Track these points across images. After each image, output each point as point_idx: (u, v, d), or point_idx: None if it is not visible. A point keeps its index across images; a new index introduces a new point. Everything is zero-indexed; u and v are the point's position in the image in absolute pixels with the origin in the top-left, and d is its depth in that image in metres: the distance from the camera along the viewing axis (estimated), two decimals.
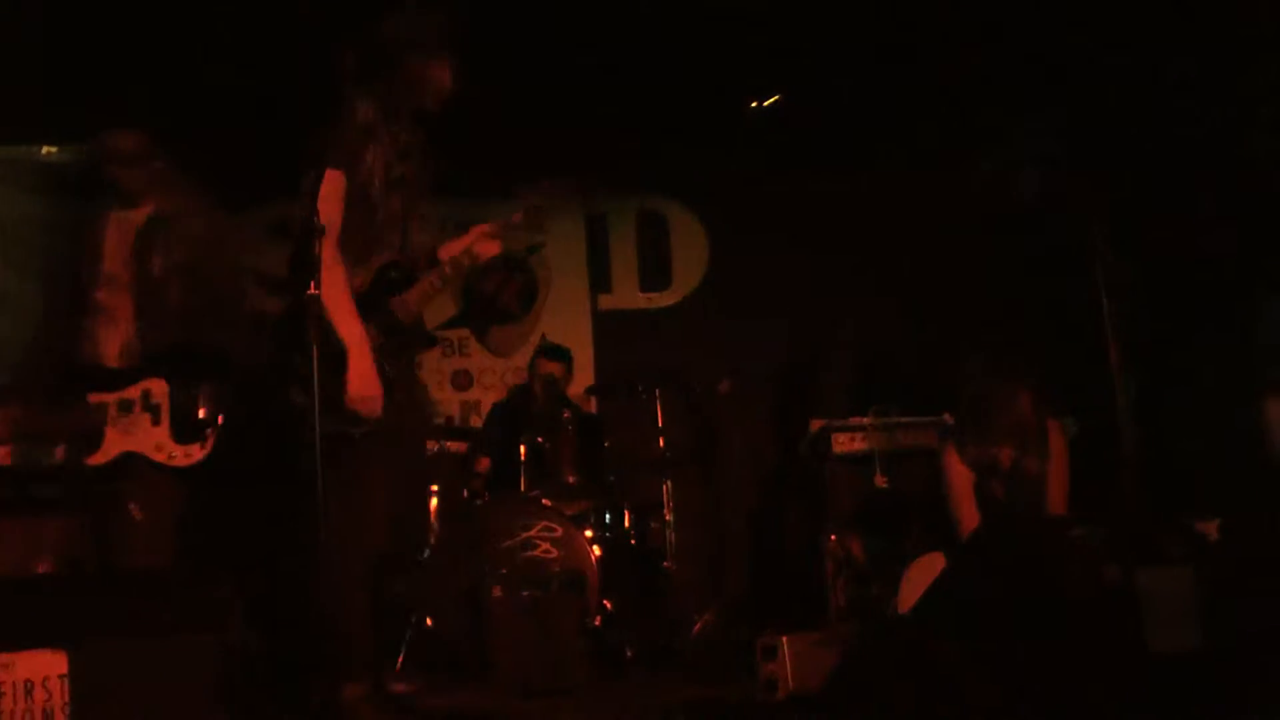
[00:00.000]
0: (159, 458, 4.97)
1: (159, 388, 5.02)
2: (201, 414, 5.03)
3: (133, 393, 4.98)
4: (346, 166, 4.86)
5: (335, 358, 4.84)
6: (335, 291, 4.80)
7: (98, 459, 4.94)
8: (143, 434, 4.97)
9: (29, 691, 3.38)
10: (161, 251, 5.20)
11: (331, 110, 5.03)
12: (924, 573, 6.00)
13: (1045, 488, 6.13)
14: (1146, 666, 4.16)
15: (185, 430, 5.01)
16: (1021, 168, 8.68)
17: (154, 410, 4.98)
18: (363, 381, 4.86)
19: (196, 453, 5.00)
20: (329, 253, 4.73)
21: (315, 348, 4.39)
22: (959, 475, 6.19)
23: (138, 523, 4.99)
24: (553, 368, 8.08)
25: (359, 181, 4.92)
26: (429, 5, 5.20)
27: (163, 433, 4.98)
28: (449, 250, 5.43)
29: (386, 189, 5.08)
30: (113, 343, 5.22)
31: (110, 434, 4.94)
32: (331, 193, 4.74)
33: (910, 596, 5.99)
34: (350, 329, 4.88)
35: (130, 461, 5.01)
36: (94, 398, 5.01)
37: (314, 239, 4.49)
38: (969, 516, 6.12)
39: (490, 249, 5.45)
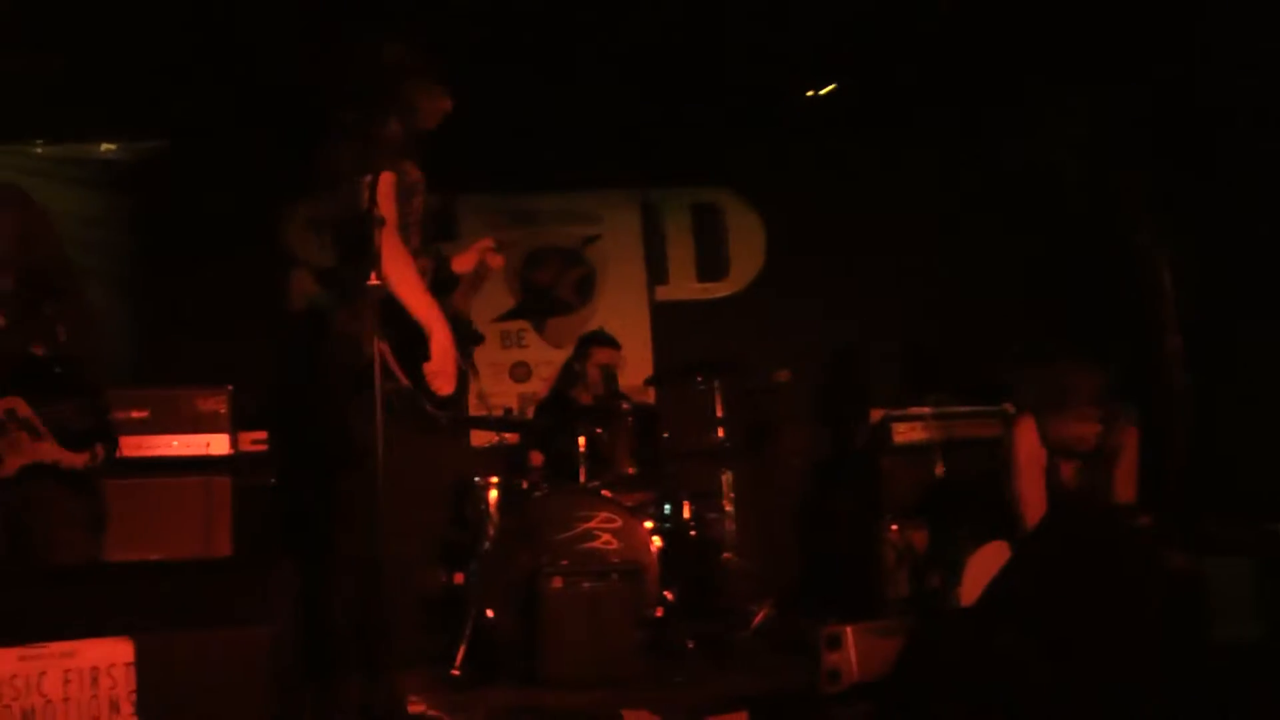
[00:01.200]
0: (62, 468, 4.78)
1: (19, 405, 4.78)
2: (82, 424, 4.84)
3: None
4: (397, 171, 4.92)
5: (413, 342, 4.91)
6: (407, 276, 4.91)
7: (4, 473, 4.72)
8: (30, 448, 4.74)
9: (95, 679, 3.39)
10: None
11: (349, 123, 5.07)
12: (986, 562, 5.96)
13: (1115, 472, 6.06)
14: (1209, 655, 4.14)
15: (71, 440, 4.83)
16: (1074, 150, 8.64)
17: (28, 426, 4.73)
18: (444, 356, 4.96)
19: (93, 462, 4.86)
20: (393, 243, 4.80)
21: (376, 338, 4.44)
22: (1029, 453, 6.11)
23: (48, 517, 4.82)
24: (610, 356, 8.08)
25: (402, 189, 4.98)
26: (424, 33, 5.28)
27: (50, 445, 4.78)
28: (462, 264, 5.56)
29: (422, 200, 5.16)
30: None
31: (3, 449, 4.73)
32: (386, 193, 4.79)
33: (973, 586, 5.94)
34: (429, 308, 4.98)
35: (35, 472, 4.78)
36: None
37: (375, 231, 4.53)
38: (1033, 497, 6.05)
39: (497, 261, 5.67)
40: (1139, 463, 6.14)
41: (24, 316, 4.81)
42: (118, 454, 5.02)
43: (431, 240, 5.34)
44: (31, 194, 5.09)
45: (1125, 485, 6.06)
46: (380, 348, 4.67)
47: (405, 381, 4.77)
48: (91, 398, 4.90)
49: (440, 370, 4.95)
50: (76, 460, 4.76)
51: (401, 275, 4.89)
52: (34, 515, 4.71)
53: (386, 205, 4.82)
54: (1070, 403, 6.02)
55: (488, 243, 5.62)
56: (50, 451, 4.70)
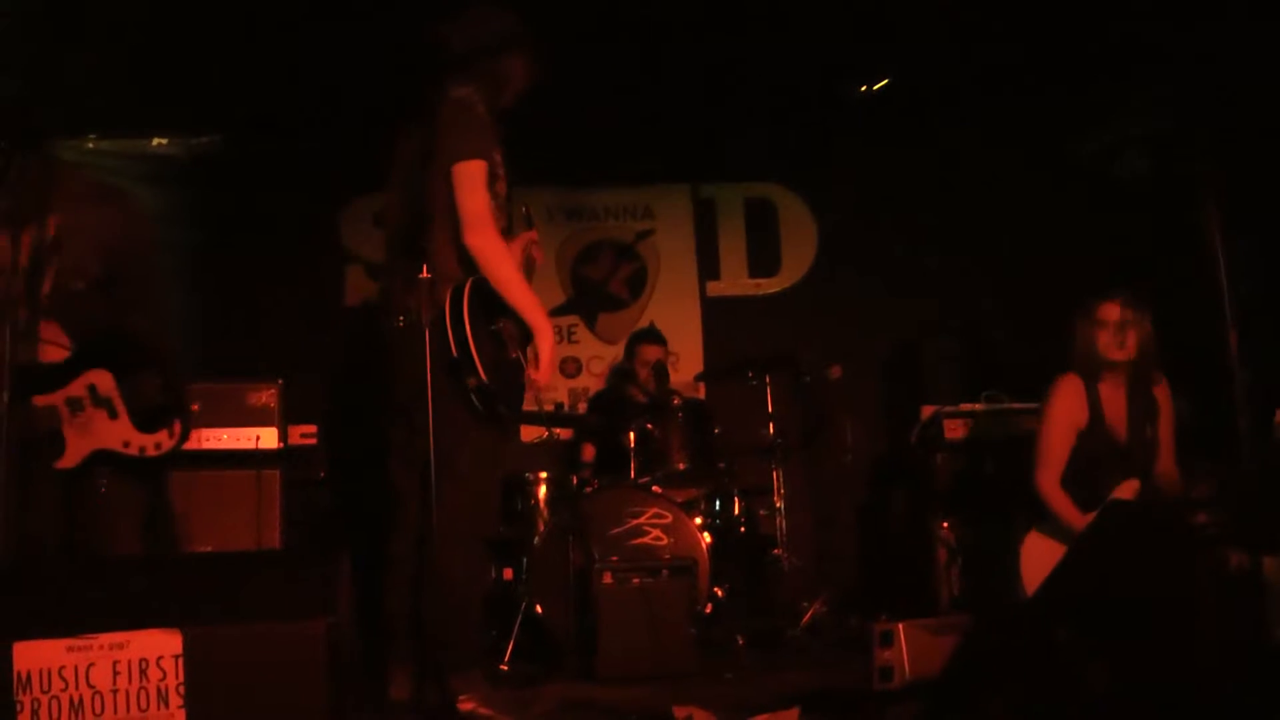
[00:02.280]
0: (130, 452, 4.73)
1: (104, 380, 4.74)
2: (161, 399, 4.81)
3: (77, 389, 4.58)
4: (487, 158, 4.92)
5: (497, 339, 4.98)
6: (516, 275, 5.00)
7: (66, 463, 4.68)
8: (103, 430, 4.65)
9: (144, 670, 3.39)
10: (80, 269, 4.86)
11: (427, 105, 5.06)
12: (1038, 548, 6.00)
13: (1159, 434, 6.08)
14: (1268, 656, 4.08)
15: (147, 419, 4.79)
16: (1132, 144, 8.56)
17: (107, 404, 4.70)
18: (552, 366, 5.09)
19: (166, 441, 4.78)
20: (497, 239, 4.83)
21: (427, 329, 4.44)
22: (1064, 409, 6.08)
23: (106, 509, 4.79)
24: (658, 353, 8.08)
25: (491, 176, 4.98)
26: (506, 4, 5.25)
27: (124, 425, 4.73)
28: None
29: (504, 185, 5.15)
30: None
31: (70, 435, 4.66)
32: (480, 181, 4.82)
33: (1031, 571, 5.95)
34: (541, 315, 5.05)
35: (101, 459, 4.74)
36: (39, 400, 4.58)
37: (429, 224, 4.53)
38: (1057, 458, 6.04)
39: (539, 255, 5.66)
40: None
41: (106, 299, 4.81)
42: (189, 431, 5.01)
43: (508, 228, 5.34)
44: None
45: (1168, 450, 6.07)
46: (470, 343, 4.71)
47: (484, 378, 4.76)
48: (171, 374, 4.90)
49: (548, 382, 5.18)
50: (148, 441, 4.74)
51: (512, 275, 4.95)
52: (94, 510, 4.71)
53: (482, 195, 4.84)
54: (1097, 314, 6.02)
55: (531, 235, 5.62)
56: (122, 433, 4.69)
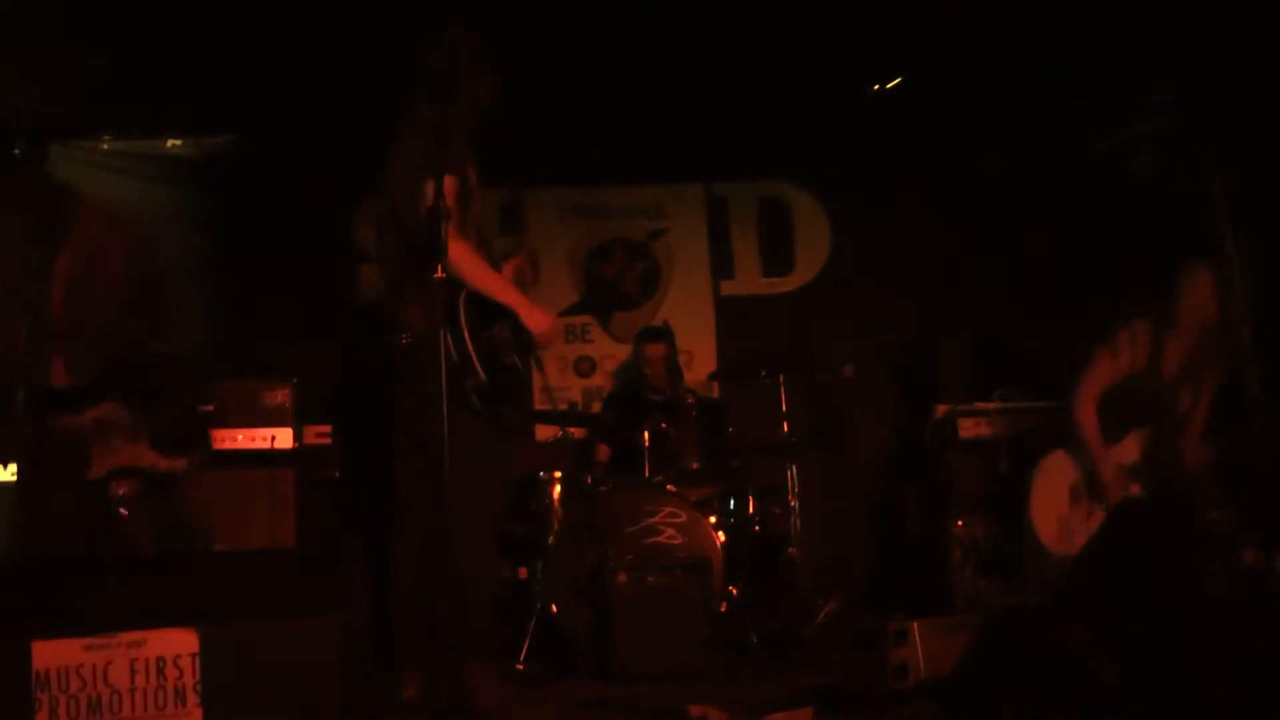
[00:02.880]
0: (157, 470, 4.76)
1: (118, 413, 4.76)
2: (182, 429, 4.84)
3: (99, 414, 4.69)
4: (459, 174, 4.98)
5: (493, 343, 5.08)
6: (477, 267, 5.07)
7: (93, 475, 4.69)
8: (125, 450, 4.69)
9: (160, 669, 3.41)
10: (90, 307, 4.86)
11: (409, 122, 5.11)
12: (1051, 471, 6.26)
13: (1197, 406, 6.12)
14: None
15: (166, 445, 4.80)
16: (1144, 144, 8.54)
17: (125, 430, 4.73)
18: (540, 320, 5.24)
19: (182, 466, 4.84)
20: (457, 240, 4.85)
21: (440, 330, 4.46)
22: (1126, 358, 6.12)
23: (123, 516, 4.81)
24: (661, 350, 8.07)
25: (462, 192, 5.04)
26: (478, 26, 5.30)
27: (144, 449, 4.75)
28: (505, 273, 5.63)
29: (479, 203, 5.21)
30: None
31: (96, 451, 4.67)
32: (449, 195, 4.84)
33: (1041, 495, 6.21)
34: (506, 290, 5.19)
35: (125, 473, 4.74)
36: (64, 421, 4.64)
37: (442, 225, 4.55)
38: (1101, 384, 6.18)
39: (529, 275, 5.76)
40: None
41: (125, 327, 4.83)
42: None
43: (490, 238, 5.39)
44: (100, 189, 5.10)
45: (1192, 450, 6.08)
46: (468, 345, 4.76)
47: (483, 376, 4.81)
48: (190, 402, 4.93)
49: (549, 332, 5.28)
50: (171, 465, 4.77)
51: (473, 268, 4.97)
52: (114, 514, 4.72)
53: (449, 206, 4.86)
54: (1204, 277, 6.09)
55: (522, 258, 5.73)
56: (143, 456, 4.71)
